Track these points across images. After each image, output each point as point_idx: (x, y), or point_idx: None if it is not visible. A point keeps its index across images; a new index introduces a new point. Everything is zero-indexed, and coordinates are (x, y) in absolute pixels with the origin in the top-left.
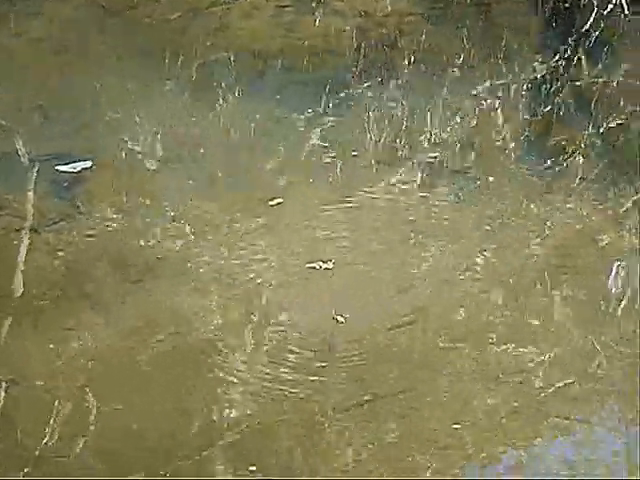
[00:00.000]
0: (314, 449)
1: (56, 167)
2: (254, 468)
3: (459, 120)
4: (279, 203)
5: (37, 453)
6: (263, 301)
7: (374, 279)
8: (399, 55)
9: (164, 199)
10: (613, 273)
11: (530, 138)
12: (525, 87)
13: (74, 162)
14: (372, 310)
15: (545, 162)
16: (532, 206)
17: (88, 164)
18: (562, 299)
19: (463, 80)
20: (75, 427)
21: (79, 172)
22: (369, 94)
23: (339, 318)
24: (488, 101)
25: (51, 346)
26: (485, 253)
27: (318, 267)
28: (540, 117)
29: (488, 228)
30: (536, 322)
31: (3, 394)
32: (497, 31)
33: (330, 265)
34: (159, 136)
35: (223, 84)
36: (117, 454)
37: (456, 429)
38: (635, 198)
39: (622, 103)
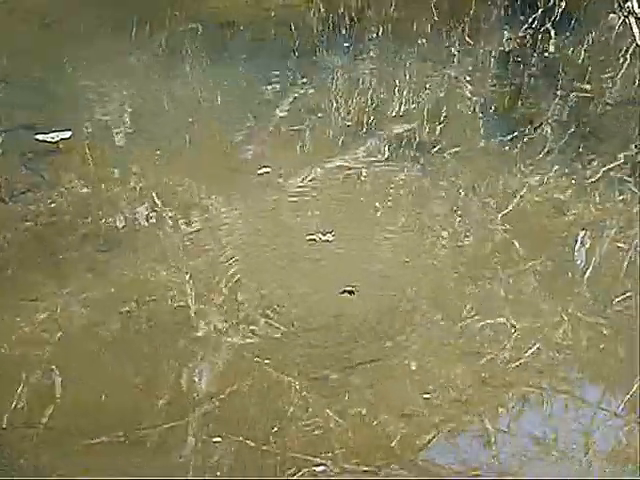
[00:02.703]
0: (283, 419)
1: (35, 136)
2: (219, 439)
3: (427, 91)
4: (267, 172)
5: (4, 422)
6: (233, 271)
7: (337, 250)
8: (367, 26)
9: (132, 170)
10: (579, 243)
11: (498, 109)
12: (493, 58)
13: (53, 132)
14: (337, 281)
15: (512, 133)
16: (499, 177)
17: (67, 134)
18: (529, 270)
19: (431, 51)
20: (42, 397)
21: (56, 142)
22: (337, 65)
23: (348, 289)
24: (456, 72)
25: (17, 317)
26: (451, 225)
27: (318, 239)
28: (508, 88)
29: (455, 199)
30: (503, 293)
31: None
32: (465, 2)
33: (330, 237)
34: (127, 107)
35: (191, 55)
36: (84, 423)
37: (425, 399)
38: (602, 169)
39: (589, 74)
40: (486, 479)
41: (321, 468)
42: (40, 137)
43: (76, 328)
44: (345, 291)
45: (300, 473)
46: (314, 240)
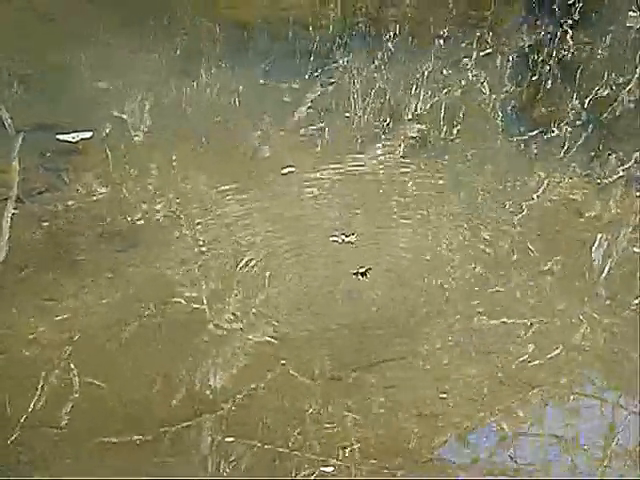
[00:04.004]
0: (301, 419)
1: (56, 136)
2: (232, 440)
3: (444, 91)
4: (291, 172)
5: (23, 421)
6: (249, 270)
7: (355, 249)
8: (384, 26)
9: (149, 169)
10: (596, 244)
11: (516, 109)
12: (511, 58)
13: (75, 132)
14: (355, 280)
15: (530, 133)
16: (516, 177)
17: (88, 135)
18: (546, 270)
19: (449, 51)
20: (60, 396)
21: (76, 142)
22: (354, 65)
23: (361, 270)
24: (474, 72)
25: (35, 318)
26: (469, 224)
27: (340, 240)
28: (526, 88)
29: (472, 199)
30: (520, 293)
31: None
32: (483, 2)
33: (353, 239)
34: (145, 107)
35: (208, 54)
36: (102, 423)
37: (442, 398)
38: (619, 169)
39: (607, 75)
40: (503, 479)
41: (330, 469)
42: (61, 137)
43: (94, 328)
44: (358, 272)
45: (314, 475)
46: (337, 242)
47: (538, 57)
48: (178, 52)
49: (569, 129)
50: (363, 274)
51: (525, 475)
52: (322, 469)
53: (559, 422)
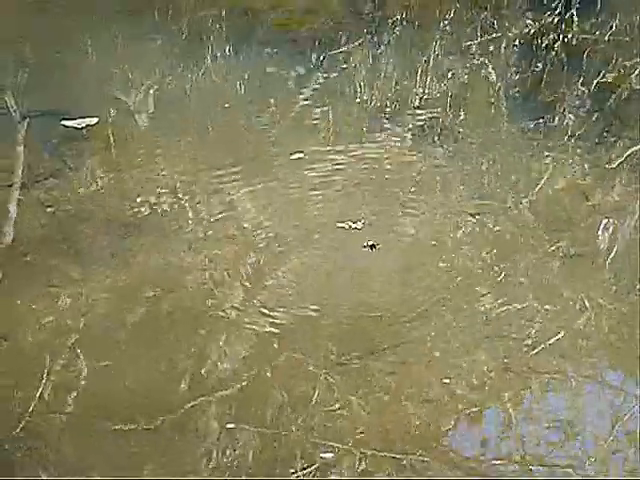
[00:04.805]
0: (305, 404)
1: (62, 122)
2: (233, 425)
3: (450, 77)
4: (300, 157)
5: (30, 409)
6: (254, 257)
7: (362, 235)
8: (390, 12)
9: (155, 156)
10: (602, 229)
11: (521, 95)
12: (516, 43)
13: (80, 118)
14: (361, 266)
15: (536, 119)
16: (522, 163)
17: (93, 121)
18: (552, 255)
19: (454, 37)
20: (66, 383)
21: (81, 128)
22: (360, 51)
23: (370, 243)
24: (479, 58)
25: (39, 303)
26: (475, 210)
27: (347, 227)
28: (531, 74)
29: (478, 185)
30: (525, 279)
31: None
32: None
33: (360, 225)
34: (150, 92)
35: (213, 40)
36: (107, 410)
37: (446, 384)
38: (625, 154)
39: (613, 59)
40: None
41: (329, 455)
42: (66, 123)
43: (99, 314)
44: (367, 245)
45: (317, 463)
46: (344, 228)
47: (543, 42)
48: (183, 38)
49: (575, 114)
50: (372, 247)
51: (531, 461)
52: (322, 455)
53: (564, 408)
